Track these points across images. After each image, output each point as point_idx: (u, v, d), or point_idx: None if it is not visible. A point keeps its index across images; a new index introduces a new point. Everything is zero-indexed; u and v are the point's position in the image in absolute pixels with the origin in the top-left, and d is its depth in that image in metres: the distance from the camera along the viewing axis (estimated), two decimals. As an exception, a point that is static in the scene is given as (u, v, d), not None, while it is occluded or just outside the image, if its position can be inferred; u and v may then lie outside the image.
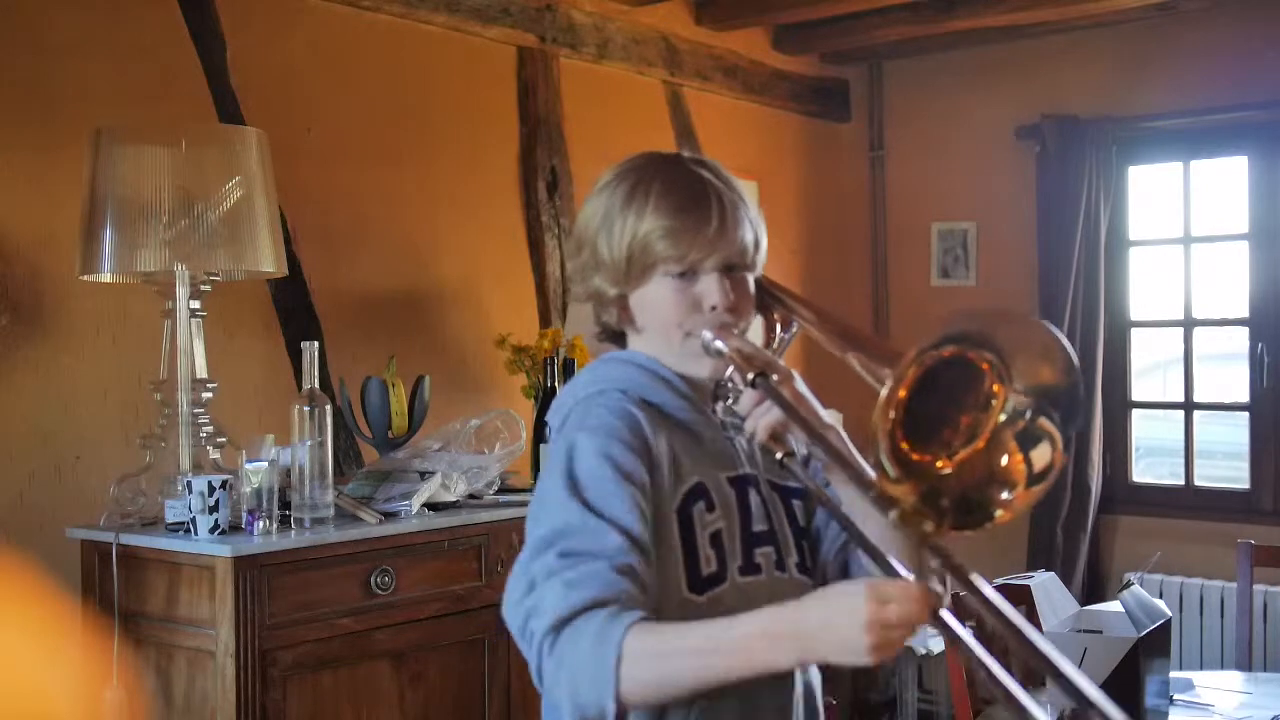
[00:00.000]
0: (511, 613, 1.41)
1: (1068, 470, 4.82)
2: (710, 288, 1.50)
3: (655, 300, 1.52)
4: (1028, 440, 1.27)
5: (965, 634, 1.18)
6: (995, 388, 1.27)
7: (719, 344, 1.49)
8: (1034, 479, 1.27)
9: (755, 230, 1.53)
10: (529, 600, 1.37)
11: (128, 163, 2.79)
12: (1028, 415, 1.26)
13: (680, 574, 1.46)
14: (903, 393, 1.22)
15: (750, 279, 1.55)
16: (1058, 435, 1.26)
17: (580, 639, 1.32)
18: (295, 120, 3.47)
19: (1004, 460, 1.27)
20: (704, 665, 1.30)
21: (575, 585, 1.34)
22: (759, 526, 1.53)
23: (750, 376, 1.44)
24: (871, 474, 1.24)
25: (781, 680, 1.48)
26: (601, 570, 1.35)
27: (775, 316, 1.61)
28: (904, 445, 1.24)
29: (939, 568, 1.23)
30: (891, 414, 1.22)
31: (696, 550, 1.47)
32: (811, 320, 1.54)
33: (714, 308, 1.50)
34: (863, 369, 1.35)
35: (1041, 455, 1.27)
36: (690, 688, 1.33)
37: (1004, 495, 1.26)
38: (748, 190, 1.58)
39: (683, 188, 1.49)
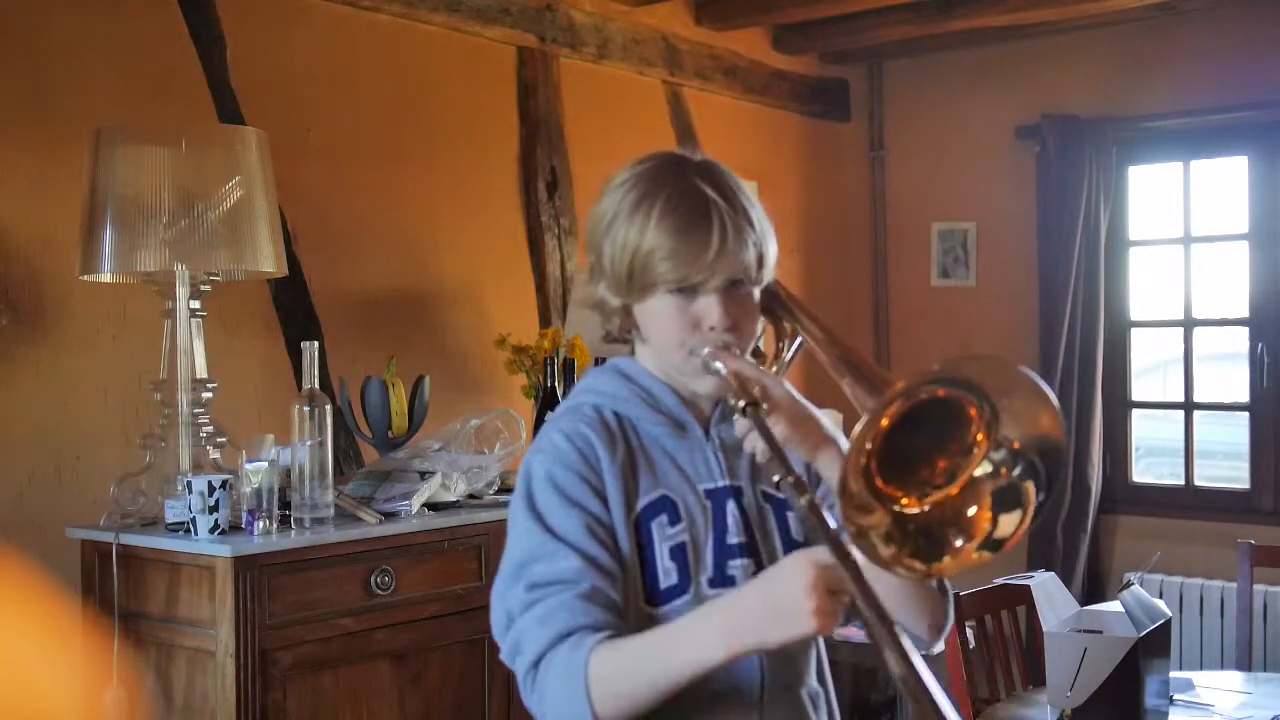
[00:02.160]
0: (499, 640, 1.47)
1: (1068, 470, 4.82)
2: (710, 308, 1.48)
3: (657, 315, 1.51)
4: (1003, 499, 1.27)
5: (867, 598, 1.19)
6: (979, 437, 1.27)
7: (717, 365, 1.48)
8: (988, 543, 1.27)
9: (761, 246, 1.50)
10: (511, 635, 1.44)
11: (128, 163, 2.79)
12: (1016, 472, 1.27)
13: (638, 586, 1.47)
14: (884, 423, 1.22)
15: (755, 293, 1.53)
16: (1032, 499, 1.27)
17: (551, 672, 1.38)
18: (295, 120, 3.47)
19: (971, 510, 1.28)
20: (658, 671, 1.34)
21: (546, 620, 1.39)
22: (735, 539, 1.52)
23: (741, 405, 1.42)
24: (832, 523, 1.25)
25: (739, 696, 1.48)
26: (568, 600, 1.40)
27: (785, 326, 1.60)
28: (877, 476, 1.25)
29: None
30: (868, 444, 1.22)
31: (654, 563, 1.48)
32: (816, 338, 1.52)
33: (713, 328, 1.49)
34: (853, 398, 1.35)
35: (1009, 520, 1.27)
36: (660, 690, 1.35)
37: (958, 542, 1.27)
38: (755, 199, 1.54)
39: (685, 206, 1.46)
